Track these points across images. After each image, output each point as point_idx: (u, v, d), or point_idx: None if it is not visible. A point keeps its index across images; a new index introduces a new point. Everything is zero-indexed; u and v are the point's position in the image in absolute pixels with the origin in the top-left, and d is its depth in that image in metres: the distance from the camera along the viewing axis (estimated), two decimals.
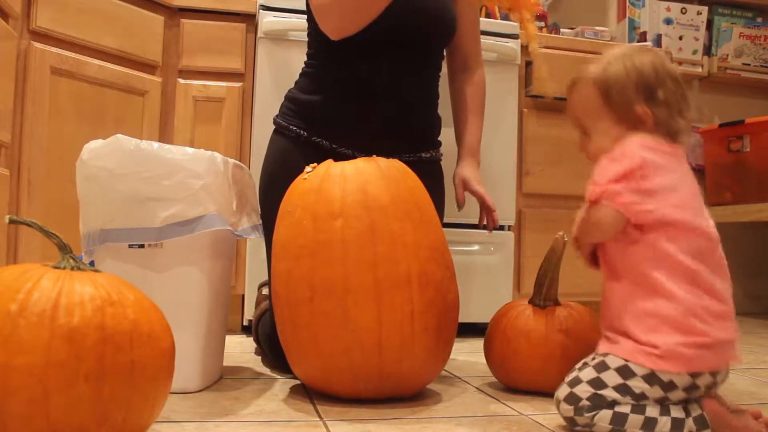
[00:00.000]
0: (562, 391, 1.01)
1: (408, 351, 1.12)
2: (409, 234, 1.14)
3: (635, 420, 0.97)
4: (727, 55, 2.90)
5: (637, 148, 1.01)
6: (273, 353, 1.43)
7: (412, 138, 1.52)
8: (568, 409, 0.99)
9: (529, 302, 1.31)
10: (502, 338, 1.29)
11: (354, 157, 1.37)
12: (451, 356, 1.27)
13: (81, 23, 1.77)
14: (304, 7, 1.54)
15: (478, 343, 1.66)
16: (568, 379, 1.03)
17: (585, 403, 0.98)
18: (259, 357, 1.61)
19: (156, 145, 1.17)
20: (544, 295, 1.30)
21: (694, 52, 2.87)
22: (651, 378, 0.97)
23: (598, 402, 0.98)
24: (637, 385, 0.97)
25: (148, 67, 1.94)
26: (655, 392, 0.97)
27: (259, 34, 1.93)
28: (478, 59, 1.64)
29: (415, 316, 1.12)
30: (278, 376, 1.38)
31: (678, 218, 0.99)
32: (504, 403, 1.21)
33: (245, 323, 1.95)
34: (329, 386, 1.17)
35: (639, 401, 0.98)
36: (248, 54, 2.01)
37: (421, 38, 1.48)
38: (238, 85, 2.00)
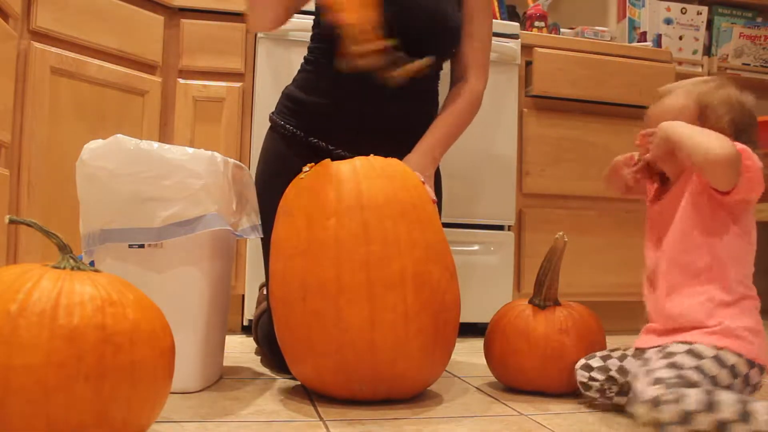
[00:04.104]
0: (646, 392, 0.91)
1: (402, 352, 1.11)
2: (403, 233, 1.13)
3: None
4: (727, 55, 2.90)
5: None
6: (272, 353, 1.43)
7: (409, 141, 1.46)
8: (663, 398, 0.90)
9: (529, 302, 1.31)
10: (502, 338, 1.29)
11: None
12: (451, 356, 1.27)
13: (81, 23, 1.77)
14: (303, 8, 1.53)
15: (478, 343, 1.66)
16: (643, 381, 0.94)
17: (669, 386, 0.91)
18: (259, 357, 1.61)
19: (156, 145, 1.17)
20: (544, 295, 1.30)
21: (694, 52, 2.87)
22: (718, 361, 0.98)
23: (682, 382, 0.92)
24: (709, 366, 0.97)
25: (148, 67, 1.94)
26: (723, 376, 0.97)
27: (259, 34, 1.93)
28: (478, 72, 1.54)
29: (409, 316, 1.10)
30: (278, 376, 1.38)
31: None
32: (504, 403, 1.21)
33: (245, 323, 1.95)
34: (324, 386, 1.17)
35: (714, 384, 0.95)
36: (248, 54, 2.01)
37: (418, 40, 1.44)
38: (238, 85, 2.00)
